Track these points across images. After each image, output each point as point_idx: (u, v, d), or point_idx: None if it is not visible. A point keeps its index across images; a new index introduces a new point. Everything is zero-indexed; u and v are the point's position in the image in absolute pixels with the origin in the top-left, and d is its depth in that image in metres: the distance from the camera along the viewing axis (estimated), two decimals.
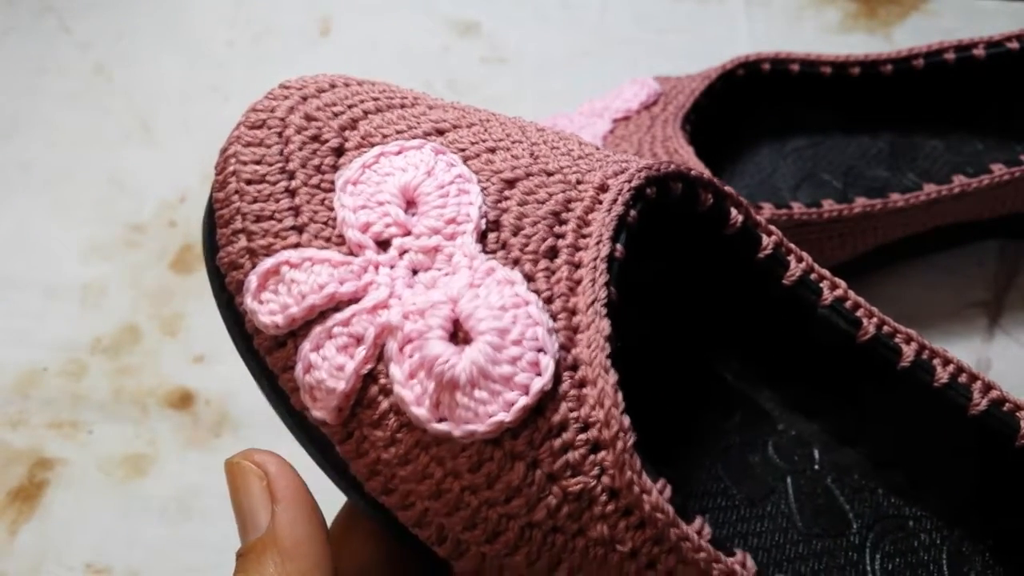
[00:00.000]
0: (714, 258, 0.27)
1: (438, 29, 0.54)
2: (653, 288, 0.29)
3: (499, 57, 0.52)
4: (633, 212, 0.24)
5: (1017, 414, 0.24)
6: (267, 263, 0.23)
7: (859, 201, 0.37)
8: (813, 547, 0.26)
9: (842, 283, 0.26)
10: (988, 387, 0.25)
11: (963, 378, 0.25)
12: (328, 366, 0.22)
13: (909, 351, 0.25)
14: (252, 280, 0.23)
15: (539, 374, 0.21)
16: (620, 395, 0.21)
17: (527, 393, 0.21)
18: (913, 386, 0.25)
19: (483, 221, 0.23)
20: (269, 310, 0.23)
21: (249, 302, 0.23)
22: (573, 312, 0.22)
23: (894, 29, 0.53)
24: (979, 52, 0.40)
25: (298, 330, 0.23)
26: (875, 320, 0.25)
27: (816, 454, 0.28)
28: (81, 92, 0.51)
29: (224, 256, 0.24)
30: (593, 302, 0.22)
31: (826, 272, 0.26)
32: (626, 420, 0.21)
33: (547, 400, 0.21)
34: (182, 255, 0.44)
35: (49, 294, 0.43)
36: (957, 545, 0.26)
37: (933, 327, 0.41)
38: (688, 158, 0.36)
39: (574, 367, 0.22)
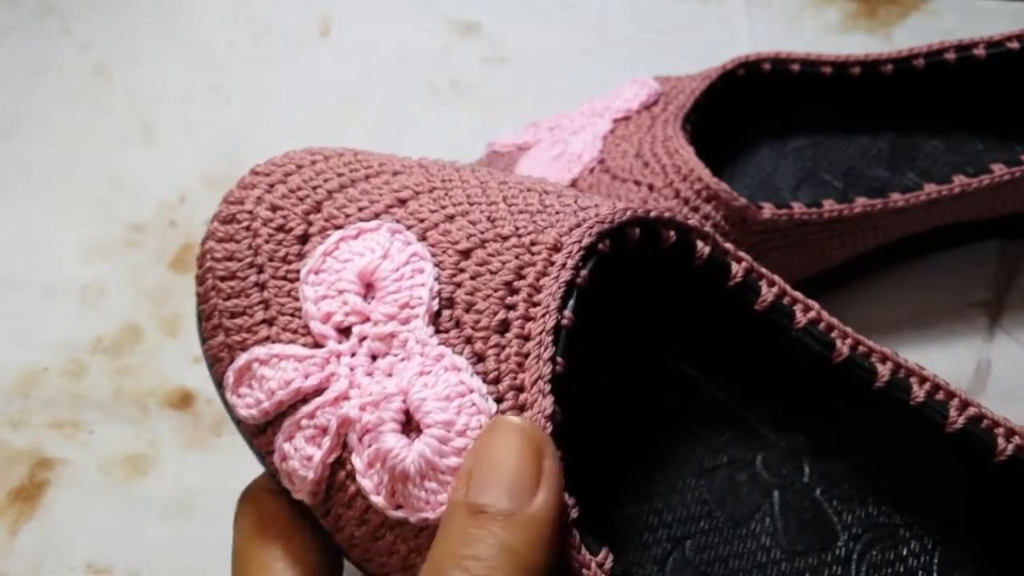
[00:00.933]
0: (688, 286, 0.27)
1: (438, 29, 0.54)
2: (635, 315, 0.30)
3: (499, 57, 0.52)
4: (584, 272, 0.25)
5: (995, 431, 0.24)
6: (240, 360, 0.25)
7: (859, 201, 0.37)
8: (797, 565, 0.26)
9: (815, 305, 0.26)
10: (965, 404, 0.25)
11: (940, 395, 0.25)
12: (299, 456, 0.24)
13: (884, 370, 0.25)
14: (229, 376, 0.25)
15: None
16: (560, 475, 0.22)
17: None
18: (891, 404, 0.25)
19: (435, 302, 0.25)
20: (245, 404, 0.25)
21: (229, 397, 0.25)
22: (520, 389, 0.23)
23: (894, 29, 0.53)
24: (979, 52, 0.40)
25: (273, 420, 0.25)
26: (849, 341, 0.26)
27: (805, 467, 0.28)
28: (81, 92, 0.51)
29: (208, 349, 0.26)
30: (537, 380, 0.23)
31: (799, 295, 0.26)
32: (565, 499, 0.22)
33: None
34: (182, 255, 0.44)
35: (49, 294, 0.43)
36: (949, 551, 0.26)
37: (933, 327, 0.41)
38: (688, 158, 0.36)
39: None
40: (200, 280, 0.27)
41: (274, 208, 0.27)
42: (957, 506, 0.27)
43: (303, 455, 0.24)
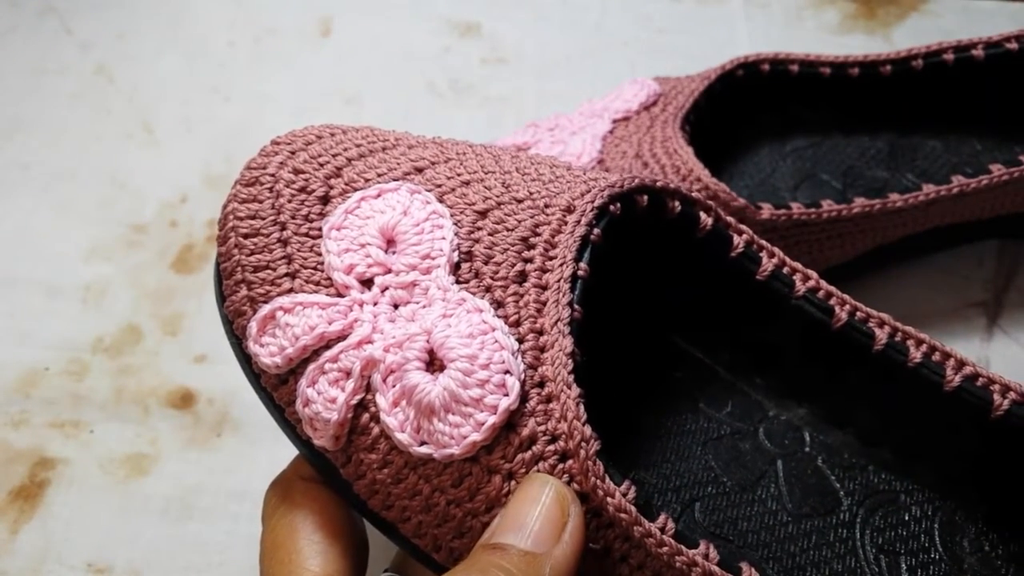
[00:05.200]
0: (693, 258, 0.28)
1: (438, 29, 0.54)
2: (639, 290, 0.30)
3: (499, 57, 0.53)
4: (597, 230, 0.26)
5: (990, 388, 0.25)
6: (264, 310, 0.26)
7: (858, 201, 0.37)
8: (803, 527, 0.27)
9: (814, 274, 0.27)
10: (961, 363, 0.26)
11: (936, 357, 0.26)
12: (322, 399, 0.24)
13: (882, 334, 0.26)
14: (252, 326, 0.26)
15: (506, 394, 0.23)
16: (582, 408, 0.23)
17: (495, 412, 0.23)
18: (890, 367, 0.26)
19: (456, 254, 0.25)
20: (269, 352, 0.25)
21: (252, 346, 0.26)
22: (540, 332, 0.24)
23: (893, 29, 0.53)
24: (978, 52, 0.40)
25: (296, 368, 0.25)
26: (847, 307, 0.27)
27: (806, 437, 0.29)
28: (82, 92, 0.51)
29: (230, 305, 0.27)
30: (556, 322, 0.24)
31: (798, 265, 0.27)
32: (588, 430, 0.22)
33: (516, 417, 0.23)
34: (183, 255, 0.44)
35: (50, 294, 0.43)
36: (950, 515, 0.27)
37: (932, 327, 0.41)
38: (687, 159, 0.36)
39: (541, 384, 0.23)
40: (222, 240, 0.27)
41: (296, 172, 0.27)
42: (956, 471, 0.28)
43: (327, 397, 0.24)
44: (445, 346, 0.23)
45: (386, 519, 0.25)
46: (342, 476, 0.25)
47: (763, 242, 0.28)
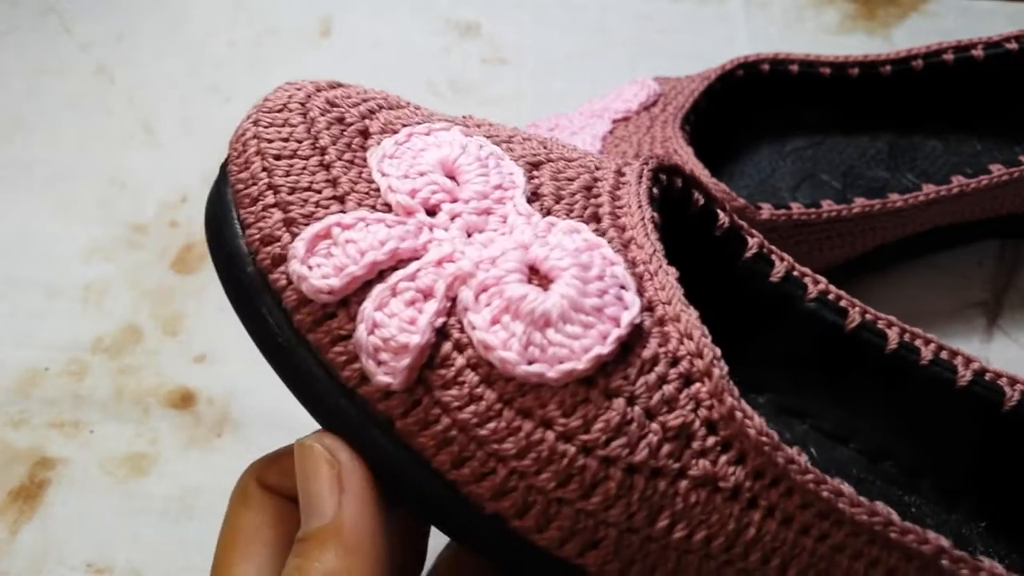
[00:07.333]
0: (704, 259, 0.28)
1: (438, 29, 0.54)
2: None
3: (499, 58, 0.52)
4: (655, 190, 0.24)
5: (999, 381, 0.25)
6: (315, 227, 0.22)
7: (858, 201, 0.37)
8: None
9: (823, 279, 0.27)
10: (969, 360, 0.26)
11: (945, 354, 0.26)
12: (397, 321, 0.21)
13: (893, 335, 0.26)
14: (299, 246, 0.22)
15: (627, 308, 0.21)
16: (705, 328, 0.21)
17: (619, 325, 0.20)
18: (901, 368, 0.26)
19: (528, 186, 0.23)
20: (322, 274, 0.21)
21: (297, 267, 0.21)
22: (633, 264, 0.22)
23: (893, 30, 0.53)
24: (978, 53, 0.40)
25: (350, 297, 0.21)
26: (858, 309, 0.27)
27: (813, 452, 0.29)
28: (82, 93, 0.51)
29: (256, 232, 0.22)
30: (654, 252, 0.22)
31: (807, 270, 0.27)
32: (718, 350, 0.21)
33: (635, 336, 0.21)
34: (183, 255, 0.44)
35: (50, 294, 0.43)
36: (956, 528, 0.27)
37: (932, 327, 0.40)
38: (687, 159, 0.36)
39: (650, 308, 0.21)
40: (242, 166, 0.23)
41: (330, 103, 0.24)
42: (965, 475, 0.28)
43: (403, 318, 0.21)
44: (551, 258, 0.21)
45: (454, 481, 0.21)
46: (396, 432, 0.21)
47: (772, 247, 0.27)
